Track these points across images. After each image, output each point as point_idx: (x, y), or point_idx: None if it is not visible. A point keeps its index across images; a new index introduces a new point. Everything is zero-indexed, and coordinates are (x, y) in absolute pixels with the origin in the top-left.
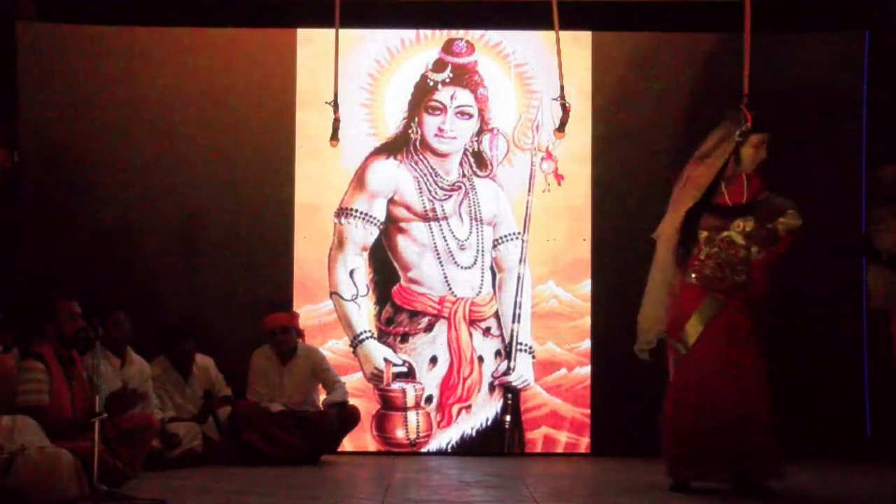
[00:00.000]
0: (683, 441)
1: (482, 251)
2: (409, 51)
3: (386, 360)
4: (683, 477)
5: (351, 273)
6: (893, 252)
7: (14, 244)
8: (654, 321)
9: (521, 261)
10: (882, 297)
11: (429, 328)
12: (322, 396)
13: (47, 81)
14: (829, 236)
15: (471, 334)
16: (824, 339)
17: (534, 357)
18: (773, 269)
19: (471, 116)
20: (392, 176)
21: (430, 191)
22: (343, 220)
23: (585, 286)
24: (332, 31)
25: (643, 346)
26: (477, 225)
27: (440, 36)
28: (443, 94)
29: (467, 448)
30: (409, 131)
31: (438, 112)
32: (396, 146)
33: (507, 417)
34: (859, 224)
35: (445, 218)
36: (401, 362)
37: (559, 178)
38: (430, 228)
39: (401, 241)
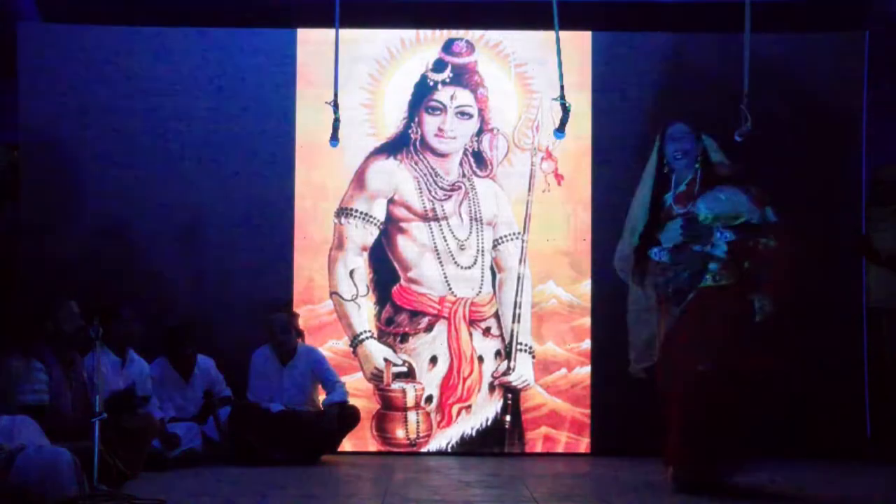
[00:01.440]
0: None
1: (482, 251)
2: (409, 51)
3: (386, 360)
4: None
5: (351, 273)
6: (893, 252)
7: (14, 244)
8: (639, 345)
9: (521, 261)
10: (882, 297)
11: (429, 328)
12: (322, 396)
13: (47, 81)
14: (830, 236)
15: (471, 334)
16: (824, 339)
17: (534, 357)
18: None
19: (471, 116)
20: (392, 176)
21: (430, 191)
22: (343, 220)
23: (585, 286)
24: (332, 31)
25: (635, 366)
26: (477, 225)
27: (440, 36)
28: (443, 94)
29: (467, 448)
30: (409, 131)
31: (438, 112)
32: (396, 146)
33: (507, 417)
34: (859, 224)
35: (445, 218)
36: (401, 362)
37: (559, 178)
38: (430, 228)
39: (401, 241)
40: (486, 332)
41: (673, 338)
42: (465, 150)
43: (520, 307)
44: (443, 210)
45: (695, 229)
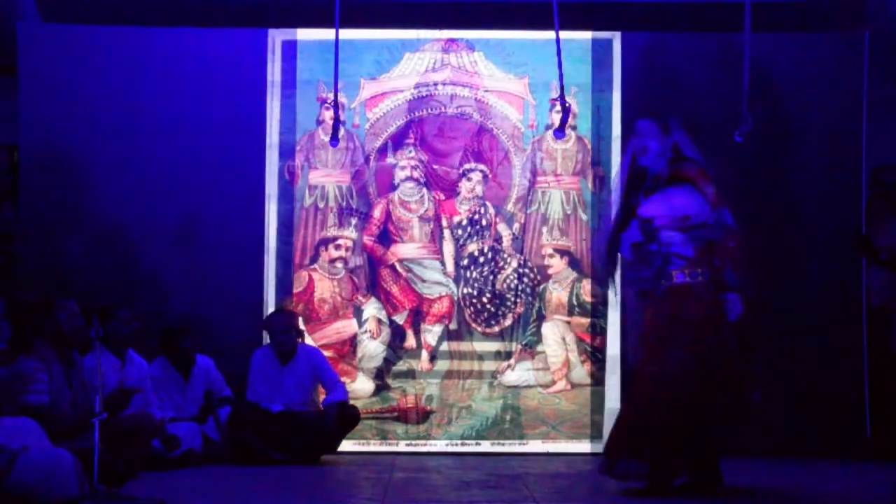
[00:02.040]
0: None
1: (482, 251)
2: (409, 51)
3: (386, 359)
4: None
5: (351, 273)
6: (893, 252)
7: (14, 244)
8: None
9: (521, 261)
10: (882, 297)
11: (429, 328)
12: (322, 396)
13: (47, 81)
14: (830, 236)
15: (471, 334)
16: (824, 339)
17: (534, 357)
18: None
19: (471, 116)
20: (392, 176)
21: (430, 191)
22: (343, 220)
23: (586, 286)
24: (332, 31)
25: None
26: (477, 225)
27: (440, 36)
28: (443, 94)
29: (467, 448)
30: (409, 131)
31: (438, 112)
32: (396, 146)
33: (507, 417)
34: (859, 224)
35: (446, 218)
36: (401, 362)
37: (559, 177)
38: (431, 228)
39: (401, 241)
40: (487, 332)
41: (640, 339)
42: (465, 150)
43: (520, 307)
44: (443, 210)
45: (646, 229)
